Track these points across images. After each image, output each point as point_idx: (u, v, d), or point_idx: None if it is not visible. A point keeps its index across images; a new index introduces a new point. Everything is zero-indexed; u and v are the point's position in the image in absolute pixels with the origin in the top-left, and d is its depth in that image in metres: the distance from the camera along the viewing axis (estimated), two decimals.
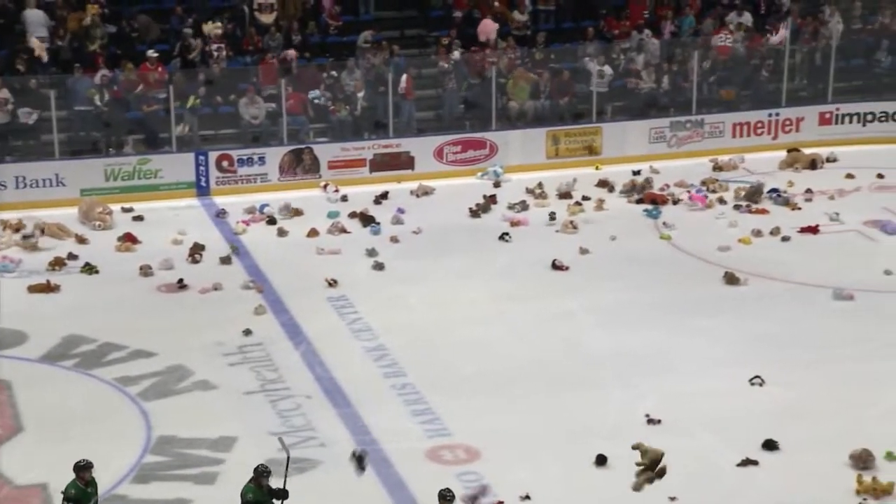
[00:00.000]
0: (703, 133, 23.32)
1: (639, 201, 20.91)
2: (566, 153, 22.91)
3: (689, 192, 20.55)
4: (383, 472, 12.67)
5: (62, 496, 10.73)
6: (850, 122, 23.62)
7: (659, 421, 13.76)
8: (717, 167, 22.41)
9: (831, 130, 23.53)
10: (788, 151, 22.88)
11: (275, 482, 10.77)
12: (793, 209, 20.31)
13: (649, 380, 14.77)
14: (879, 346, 15.41)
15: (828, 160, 22.59)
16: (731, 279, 17.50)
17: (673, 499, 12.21)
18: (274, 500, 10.64)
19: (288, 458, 10.77)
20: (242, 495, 10.58)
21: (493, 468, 12.86)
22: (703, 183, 21.57)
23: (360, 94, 22.81)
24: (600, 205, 20.75)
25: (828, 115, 23.60)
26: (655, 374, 14.91)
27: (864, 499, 12.15)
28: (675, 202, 20.78)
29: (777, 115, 23.52)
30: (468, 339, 15.93)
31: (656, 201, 20.73)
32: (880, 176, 21.53)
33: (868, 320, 16.13)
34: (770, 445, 13.14)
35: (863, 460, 12.66)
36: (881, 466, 12.61)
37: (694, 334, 15.87)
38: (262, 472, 10.69)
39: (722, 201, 20.69)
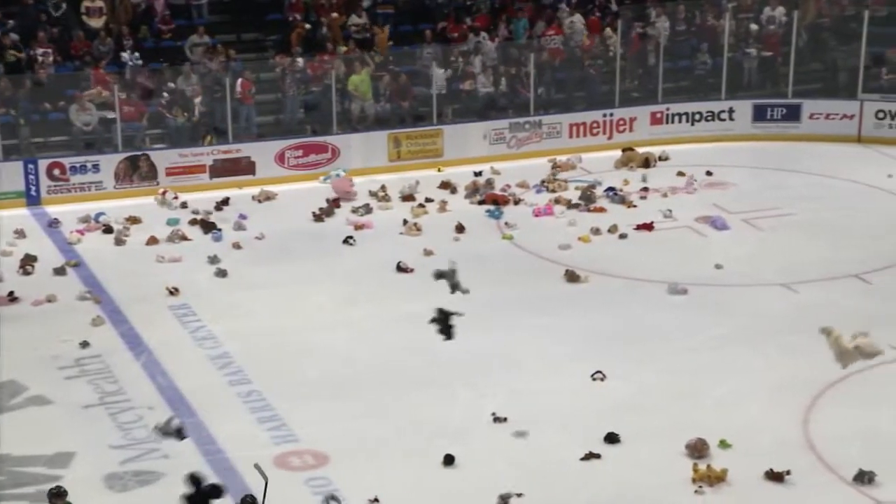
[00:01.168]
0: (541, 134, 23.76)
1: (481, 202, 21.16)
2: (408, 156, 23.01)
3: (536, 206, 20.77)
4: (230, 480, 12.46)
5: None
6: (680, 121, 24.42)
7: (505, 419, 13.94)
8: (556, 167, 22.86)
9: (662, 130, 24.28)
10: (623, 151, 23.50)
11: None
12: (629, 207, 20.86)
13: (494, 378, 14.95)
14: (711, 337, 15.96)
15: (660, 159, 23.29)
16: (571, 277, 17.87)
17: (520, 495, 12.39)
18: None
19: (266, 483, 10.50)
20: None
21: (341, 472, 12.82)
22: (543, 182, 21.97)
23: (198, 100, 22.44)
24: (443, 206, 20.91)
25: (658, 115, 24.35)
26: (500, 373, 15.10)
27: (700, 486, 12.57)
28: (517, 202, 21.09)
29: (611, 115, 24.14)
30: (314, 345, 15.83)
31: (498, 202, 21.01)
32: (709, 173, 22.31)
33: (700, 313, 16.69)
34: (611, 438, 13.47)
35: (698, 449, 13.09)
36: (715, 454, 13.06)
37: (537, 332, 16.14)
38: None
39: (562, 201, 21.08)
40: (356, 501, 12.22)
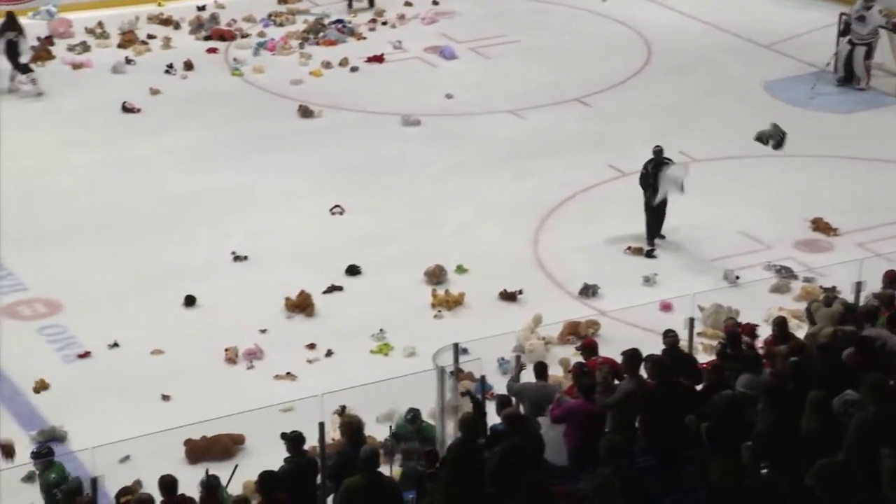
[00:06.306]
0: None
1: (206, 38, 20.43)
2: None
3: (262, 39, 20.22)
4: None
5: None
6: None
7: (245, 257, 13.89)
8: (283, 0, 22.26)
9: None
10: None
11: None
12: (358, 39, 20.69)
13: (233, 217, 14.81)
14: (446, 167, 16.29)
15: None
16: (305, 112, 17.69)
17: (264, 331, 12.46)
18: None
19: (235, 468, 10.04)
20: None
21: (76, 319, 12.52)
22: (270, 16, 21.40)
23: None
24: (167, 43, 20.07)
25: None
26: (238, 212, 14.96)
27: (439, 311, 13.03)
28: (244, 37, 20.49)
29: None
30: (40, 191, 15.15)
31: (224, 37, 20.35)
32: (435, 3, 22.31)
33: (434, 143, 16.95)
34: (353, 271, 13.69)
35: (436, 276, 13.52)
36: (452, 280, 13.52)
37: (273, 169, 16.00)
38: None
39: (290, 35, 20.64)
40: (94, 346, 11.99)
